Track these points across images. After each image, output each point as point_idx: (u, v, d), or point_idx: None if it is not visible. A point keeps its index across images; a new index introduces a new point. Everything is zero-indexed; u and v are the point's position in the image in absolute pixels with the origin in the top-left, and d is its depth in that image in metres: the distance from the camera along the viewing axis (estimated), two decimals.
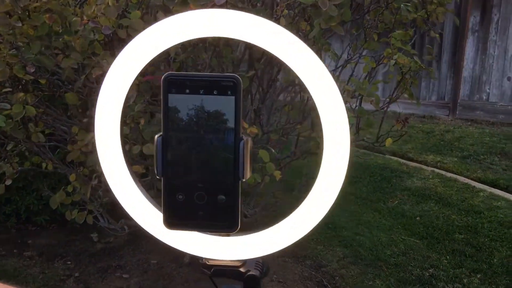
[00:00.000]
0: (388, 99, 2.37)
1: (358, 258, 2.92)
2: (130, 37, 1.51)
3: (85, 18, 1.45)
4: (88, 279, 2.81)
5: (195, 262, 3.07)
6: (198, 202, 0.55)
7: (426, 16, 2.35)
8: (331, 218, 3.44)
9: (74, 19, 1.59)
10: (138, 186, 0.62)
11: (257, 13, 1.60)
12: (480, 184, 4.05)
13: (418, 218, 3.45)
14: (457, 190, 3.90)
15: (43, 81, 1.81)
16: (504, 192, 3.88)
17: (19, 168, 1.91)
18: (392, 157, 4.79)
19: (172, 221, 0.56)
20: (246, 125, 1.55)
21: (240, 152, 0.53)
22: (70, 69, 1.52)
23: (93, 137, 1.47)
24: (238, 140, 0.53)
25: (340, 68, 2.28)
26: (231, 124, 0.53)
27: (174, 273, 2.84)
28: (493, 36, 6.12)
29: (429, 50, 2.58)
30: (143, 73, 1.71)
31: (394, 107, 6.60)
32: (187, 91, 0.53)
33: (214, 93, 0.53)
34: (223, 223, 0.56)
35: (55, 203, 1.91)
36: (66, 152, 1.96)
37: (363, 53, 2.45)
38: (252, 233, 0.63)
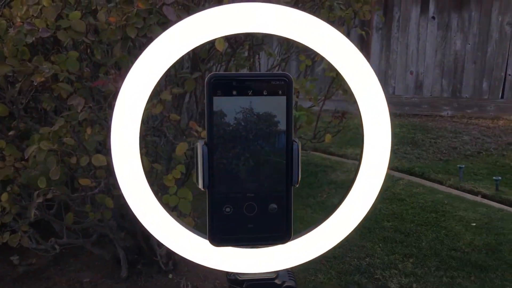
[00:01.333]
0: (323, 97, 2.41)
1: None
2: (70, 39, 1.39)
3: (18, 20, 1.31)
4: None
5: (132, 277, 2.92)
6: (248, 214, 0.50)
7: (353, 14, 2.43)
8: None
9: (1, 21, 1.43)
10: (167, 211, 0.56)
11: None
12: (398, 172, 4.28)
13: None
14: None
15: None
16: (420, 179, 4.14)
17: None
18: (314, 153, 4.91)
19: (220, 236, 0.51)
20: (199, 128, 1.49)
21: (294, 155, 0.49)
22: (2, 77, 1.36)
23: (34, 151, 1.33)
24: (290, 143, 0.49)
25: (277, 67, 2.29)
26: (282, 126, 0.49)
27: None
28: (395, 33, 6.51)
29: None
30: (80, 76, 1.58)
31: (305, 104, 6.74)
32: (234, 92, 0.48)
33: (264, 93, 0.48)
34: (275, 234, 0.51)
35: None
36: None
37: (301, 52, 2.47)
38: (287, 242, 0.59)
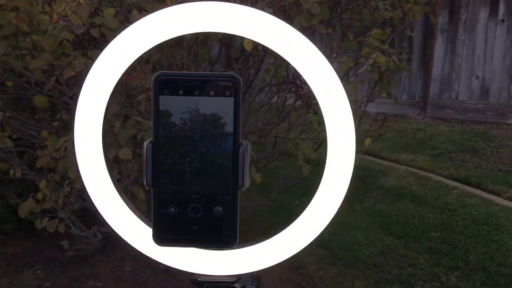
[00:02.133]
0: (365, 99, 2.35)
1: (336, 259, 2.90)
2: (103, 36, 1.44)
3: (55, 16, 1.37)
4: None
5: (172, 269, 3.00)
6: (192, 215, 0.50)
7: (402, 15, 2.34)
8: None
9: (42, 17, 1.51)
10: (123, 198, 0.56)
11: None
12: (453, 181, 4.10)
13: (394, 217, 3.46)
14: (431, 188, 3.94)
15: (9, 83, 1.71)
16: (477, 189, 3.94)
17: None
18: (366, 157, 4.80)
19: (163, 236, 0.51)
20: None
21: (240, 158, 0.48)
22: (40, 71, 1.44)
23: (65, 142, 1.39)
24: (237, 146, 0.48)
25: None
26: (229, 128, 0.48)
27: (150, 280, 2.75)
28: (461, 36, 6.23)
29: (406, 49, 2.58)
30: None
31: (367, 108, 6.67)
32: (181, 92, 0.47)
33: (211, 94, 0.48)
34: (220, 237, 0.51)
35: (24, 211, 1.82)
36: (34, 157, 1.86)
37: (341, 53, 2.43)
38: (247, 246, 0.58)
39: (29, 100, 2.09)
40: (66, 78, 1.37)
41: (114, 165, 1.54)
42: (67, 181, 1.57)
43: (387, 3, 2.07)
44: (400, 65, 2.16)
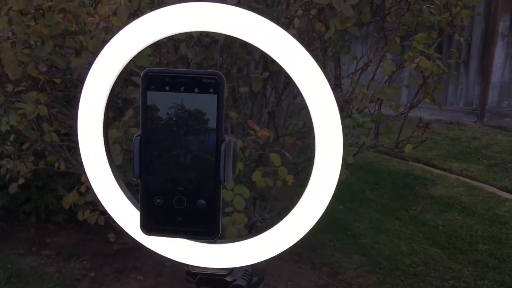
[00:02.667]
0: (409, 104, 2.30)
1: (376, 266, 2.85)
2: None
3: (96, 17, 1.44)
4: (103, 280, 2.81)
5: None
6: (177, 207, 0.52)
7: (450, 18, 2.27)
8: (350, 224, 3.37)
9: (88, 19, 1.59)
10: (123, 190, 0.59)
11: (272, 13, 1.57)
12: (507, 193, 3.92)
13: (440, 227, 3.35)
14: (482, 199, 3.78)
15: (58, 81, 1.81)
16: None
17: (34, 167, 1.91)
18: (416, 164, 4.68)
19: (150, 226, 0.53)
20: (257, 128, 1.52)
21: (222, 154, 0.50)
22: (82, 69, 1.51)
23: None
24: (219, 142, 0.50)
25: (359, 71, 2.23)
26: (212, 124, 0.50)
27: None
28: None
29: (454, 54, 2.50)
30: None
31: (420, 113, 6.47)
32: (167, 88, 0.50)
33: (195, 91, 0.49)
34: (203, 229, 0.52)
35: (67, 203, 1.91)
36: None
37: (386, 57, 2.39)
38: (239, 241, 0.59)
39: (78, 97, 2.19)
40: None
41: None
42: None
43: (432, 6, 2.02)
44: (444, 70, 2.10)
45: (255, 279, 0.71)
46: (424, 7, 1.98)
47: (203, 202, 0.51)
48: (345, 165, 2.16)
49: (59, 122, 1.93)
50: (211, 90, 0.49)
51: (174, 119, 0.50)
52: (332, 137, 0.55)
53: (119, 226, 2.08)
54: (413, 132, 2.25)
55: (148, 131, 0.51)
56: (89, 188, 1.93)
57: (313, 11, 1.58)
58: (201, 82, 0.49)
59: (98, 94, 0.57)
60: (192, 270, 0.60)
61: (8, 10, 1.49)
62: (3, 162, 1.93)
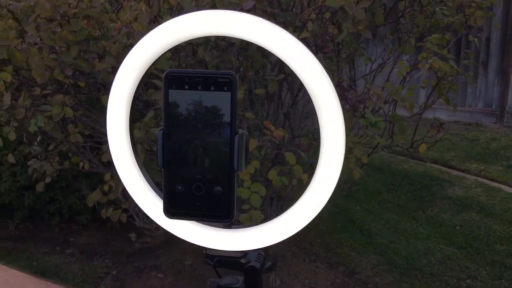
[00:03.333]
0: (423, 105, 2.33)
1: (392, 266, 2.87)
2: None
3: (119, 23, 1.52)
4: (125, 278, 2.89)
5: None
6: (196, 193, 0.58)
7: (464, 19, 2.30)
8: (367, 225, 3.40)
9: (111, 25, 1.66)
10: (148, 181, 0.65)
11: (286, 17, 1.62)
12: None
13: (458, 227, 3.36)
14: (500, 200, 3.77)
15: (82, 84, 1.89)
16: None
17: (59, 167, 2.00)
18: (433, 165, 4.68)
19: (172, 210, 0.59)
20: (272, 128, 1.57)
21: (235, 145, 0.56)
22: (106, 72, 1.59)
23: None
24: (233, 134, 0.56)
25: (374, 73, 2.27)
26: (227, 118, 0.56)
27: (207, 275, 2.87)
28: None
29: (470, 55, 2.52)
30: None
31: (438, 114, 6.48)
32: (186, 87, 0.56)
33: (211, 89, 0.55)
34: (220, 213, 0.58)
35: (92, 201, 1.99)
36: (103, 153, 2.04)
37: (401, 58, 2.42)
38: (251, 226, 0.65)
39: (101, 101, 2.28)
40: None
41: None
42: None
43: (444, 8, 2.05)
44: (458, 70, 2.13)
45: (268, 263, 0.76)
46: (437, 9, 2.01)
47: (219, 188, 0.57)
48: (360, 164, 2.21)
49: (83, 124, 2.01)
50: (225, 88, 0.55)
51: (193, 114, 0.56)
52: (335, 136, 0.60)
53: (137, 224, 2.16)
54: (427, 132, 2.27)
55: (169, 126, 0.57)
56: (112, 187, 2.01)
57: (327, 15, 1.63)
58: (217, 81, 0.55)
59: (124, 94, 0.63)
60: (210, 253, 0.66)
61: (36, 17, 1.58)
62: (30, 162, 2.02)
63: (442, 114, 6.42)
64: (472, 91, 6.36)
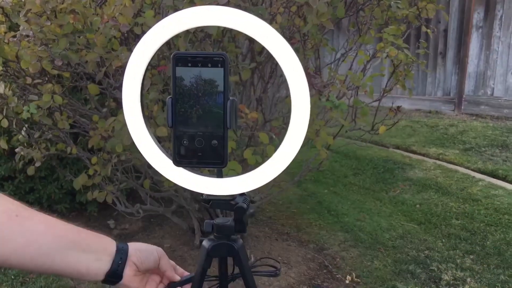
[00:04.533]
0: (383, 90, 2.55)
1: (358, 241, 3.10)
2: (144, 33, 1.72)
3: (105, 17, 1.66)
4: None
5: None
6: (198, 146, 0.75)
7: (417, 12, 2.53)
8: (334, 206, 3.63)
9: (95, 18, 1.81)
10: (156, 143, 0.82)
11: (257, 10, 1.80)
12: (480, 174, 4.20)
13: (417, 205, 3.62)
14: (457, 180, 4.06)
15: (66, 75, 2.02)
16: (503, 182, 4.04)
17: (46, 152, 2.13)
18: (396, 150, 4.96)
19: (180, 160, 0.76)
20: (247, 111, 1.75)
21: (228, 108, 0.73)
22: (93, 62, 1.73)
23: (112, 123, 1.68)
24: (226, 100, 0.74)
25: (337, 61, 2.47)
26: (221, 88, 0.73)
27: (185, 255, 3.04)
28: (497, 32, 6.25)
29: (423, 44, 2.75)
30: (155, 66, 1.92)
31: (400, 103, 6.72)
32: (189, 64, 0.73)
33: (209, 66, 0.73)
34: (216, 160, 0.76)
35: (78, 184, 2.13)
36: (86, 139, 2.18)
37: (363, 48, 2.64)
38: (235, 176, 0.83)
39: (83, 92, 2.41)
40: (114, 68, 1.66)
41: None
42: (114, 155, 1.86)
43: (399, 1, 2.26)
44: (413, 58, 2.35)
45: (251, 210, 0.95)
46: (392, 2, 2.23)
47: (216, 142, 0.75)
48: (326, 145, 2.41)
49: (67, 113, 2.15)
50: (219, 65, 0.73)
51: (195, 85, 0.73)
52: (302, 96, 0.78)
53: (118, 209, 2.31)
54: (386, 116, 2.50)
55: (177, 94, 0.74)
56: (97, 171, 2.15)
57: (293, 8, 1.82)
58: (213, 60, 0.72)
59: (138, 72, 0.79)
60: (206, 197, 0.84)
61: (27, 12, 1.71)
62: (17, 149, 2.14)
63: (404, 103, 6.73)
64: (432, 80, 6.69)
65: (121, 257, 0.84)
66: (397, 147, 5.04)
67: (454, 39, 6.48)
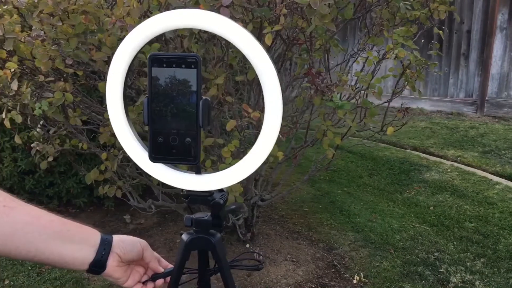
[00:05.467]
0: (392, 91, 2.55)
1: (368, 242, 3.11)
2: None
3: (113, 18, 1.72)
4: None
5: None
6: (172, 143, 0.79)
7: (429, 13, 2.52)
8: (346, 206, 3.64)
9: (106, 19, 1.87)
10: (137, 139, 0.87)
11: (262, 12, 1.84)
12: (498, 177, 4.14)
13: (431, 208, 3.60)
14: (473, 183, 4.02)
15: (80, 73, 2.10)
16: None
17: (60, 148, 2.21)
18: (413, 152, 4.92)
19: (155, 156, 0.81)
20: (250, 110, 1.79)
21: (200, 108, 0.77)
22: (102, 62, 1.80)
23: None
24: (199, 99, 0.77)
25: (346, 62, 2.48)
26: (194, 88, 0.77)
27: (195, 253, 3.10)
28: None
29: (435, 45, 2.74)
30: None
31: (421, 104, 6.71)
32: (164, 65, 0.77)
33: (182, 66, 0.77)
34: (189, 157, 0.80)
35: (90, 179, 2.20)
36: (100, 134, 2.25)
37: (371, 49, 2.64)
38: (213, 173, 0.86)
39: (97, 90, 2.49)
40: None
41: None
42: (121, 151, 1.92)
43: (408, 3, 2.26)
44: (422, 59, 2.35)
45: (232, 206, 0.99)
46: (401, 4, 2.23)
47: (189, 139, 0.79)
48: (334, 146, 2.43)
49: (81, 110, 2.22)
50: (192, 66, 0.76)
51: (169, 85, 0.77)
52: (274, 94, 0.81)
53: (131, 204, 2.37)
54: (395, 117, 2.50)
55: (153, 93, 0.78)
56: (108, 167, 2.22)
57: (296, 10, 1.84)
58: (186, 60, 0.76)
59: (120, 69, 0.84)
60: (185, 193, 0.88)
61: (39, 12, 1.78)
62: (33, 144, 2.23)
63: (425, 104, 6.67)
64: (454, 81, 6.60)
65: (104, 247, 0.87)
66: (415, 149, 5.00)
67: (477, 40, 6.38)
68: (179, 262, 0.90)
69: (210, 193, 0.87)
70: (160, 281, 0.96)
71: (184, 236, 0.90)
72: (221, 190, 0.89)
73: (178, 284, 0.92)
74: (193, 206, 0.90)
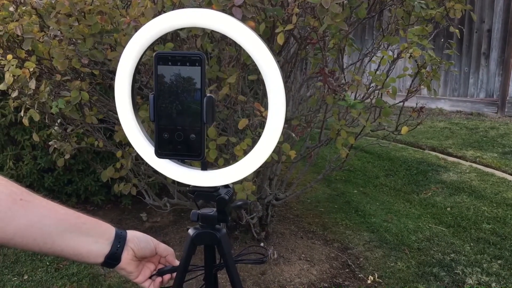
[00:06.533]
0: (407, 91, 2.53)
1: (383, 242, 3.09)
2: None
3: (128, 18, 1.75)
4: None
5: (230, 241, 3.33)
6: (177, 139, 0.81)
7: (445, 12, 2.50)
8: (362, 206, 3.62)
9: (121, 19, 1.90)
10: (145, 135, 0.89)
11: (274, 11, 1.85)
12: None
13: (448, 208, 3.56)
14: (492, 184, 3.96)
15: (96, 72, 2.13)
16: None
17: (77, 146, 2.25)
18: (431, 152, 4.87)
19: (160, 152, 0.83)
20: (262, 109, 1.80)
21: (204, 105, 0.79)
22: (117, 61, 1.83)
23: None
24: (203, 96, 0.79)
25: (361, 61, 2.48)
26: (198, 85, 0.79)
27: None
28: None
29: (452, 45, 2.71)
30: None
31: (441, 104, 6.64)
32: (169, 63, 0.79)
33: (187, 64, 0.78)
34: (194, 153, 0.82)
35: (105, 176, 2.24)
36: (116, 132, 2.28)
37: (385, 48, 2.63)
38: (219, 168, 0.88)
39: (113, 88, 2.52)
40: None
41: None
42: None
43: (423, 1, 2.25)
44: (437, 59, 2.33)
45: (239, 202, 1.00)
46: (416, 3, 2.22)
47: (194, 136, 0.80)
48: (349, 146, 2.43)
49: (98, 109, 2.26)
50: (197, 64, 0.78)
51: (175, 82, 0.79)
52: (278, 91, 0.82)
53: (147, 202, 2.41)
54: (409, 116, 2.48)
55: (158, 91, 0.80)
56: (123, 165, 2.26)
57: (308, 10, 1.85)
58: (191, 59, 0.78)
59: (128, 66, 0.86)
60: (191, 188, 0.89)
61: (56, 13, 1.82)
62: (51, 142, 2.27)
63: (445, 104, 6.60)
64: (474, 81, 6.52)
65: (119, 241, 0.89)
66: (433, 149, 4.95)
67: (498, 40, 6.29)
68: (185, 257, 0.92)
69: (215, 188, 0.89)
70: (167, 276, 0.97)
71: (191, 231, 0.92)
72: (226, 186, 0.91)
73: (184, 278, 0.93)
74: (204, 202, 0.92)
